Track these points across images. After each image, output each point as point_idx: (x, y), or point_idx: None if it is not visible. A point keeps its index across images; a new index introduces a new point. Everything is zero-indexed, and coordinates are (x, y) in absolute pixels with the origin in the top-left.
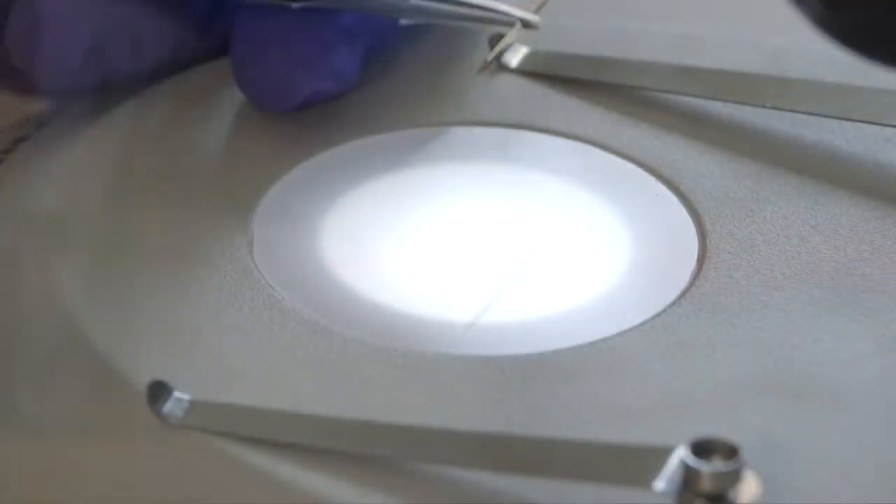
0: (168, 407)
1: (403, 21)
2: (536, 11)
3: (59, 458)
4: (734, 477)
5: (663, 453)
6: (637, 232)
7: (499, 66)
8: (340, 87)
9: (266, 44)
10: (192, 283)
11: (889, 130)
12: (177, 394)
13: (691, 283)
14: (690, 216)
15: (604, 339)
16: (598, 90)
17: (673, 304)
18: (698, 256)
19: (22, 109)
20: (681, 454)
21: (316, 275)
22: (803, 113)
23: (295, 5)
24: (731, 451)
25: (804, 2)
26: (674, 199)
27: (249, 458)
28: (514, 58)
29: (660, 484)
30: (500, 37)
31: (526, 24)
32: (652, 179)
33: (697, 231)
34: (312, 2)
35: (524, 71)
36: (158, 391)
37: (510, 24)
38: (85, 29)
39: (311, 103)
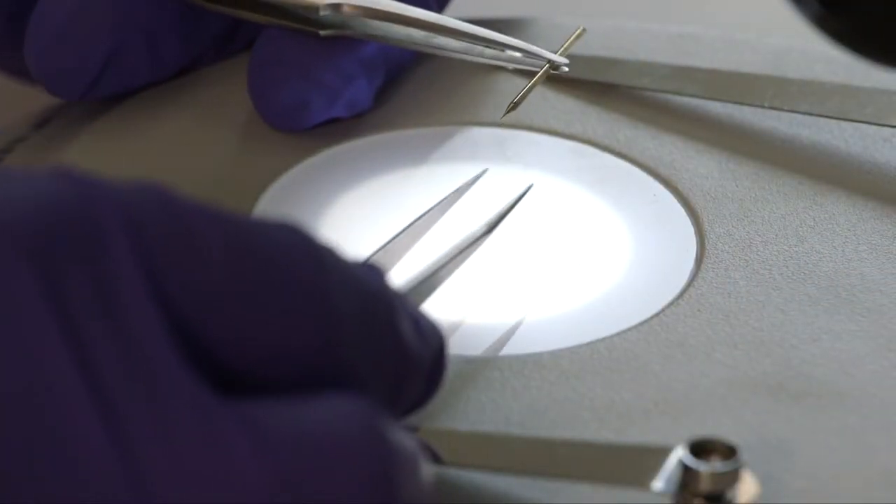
0: None
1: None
2: (563, 53)
3: None
4: (732, 477)
5: (662, 453)
6: (635, 232)
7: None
8: (353, 113)
9: (287, 66)
10: None
11: (887, 130)
12: None
13: (689, 283)
14: (689, 216)
15: (602, 340)
16: (597, 90)
17: (671, 304)
18: (696, 256)
19: (21, 110)
20: (679, 454)
21: None
22: (801, 113)
23: (322, 33)
24: (729, 451)
25: (803, 2)
26: (672, 199)
27: None
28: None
29: (658, 484)
30: None
31: (554, 67)
32: (650, 179)
33: (696, 231)
34: (340, 31)
35: (523, 71)
36: None
37: (538, 66)
38: (104, 39)
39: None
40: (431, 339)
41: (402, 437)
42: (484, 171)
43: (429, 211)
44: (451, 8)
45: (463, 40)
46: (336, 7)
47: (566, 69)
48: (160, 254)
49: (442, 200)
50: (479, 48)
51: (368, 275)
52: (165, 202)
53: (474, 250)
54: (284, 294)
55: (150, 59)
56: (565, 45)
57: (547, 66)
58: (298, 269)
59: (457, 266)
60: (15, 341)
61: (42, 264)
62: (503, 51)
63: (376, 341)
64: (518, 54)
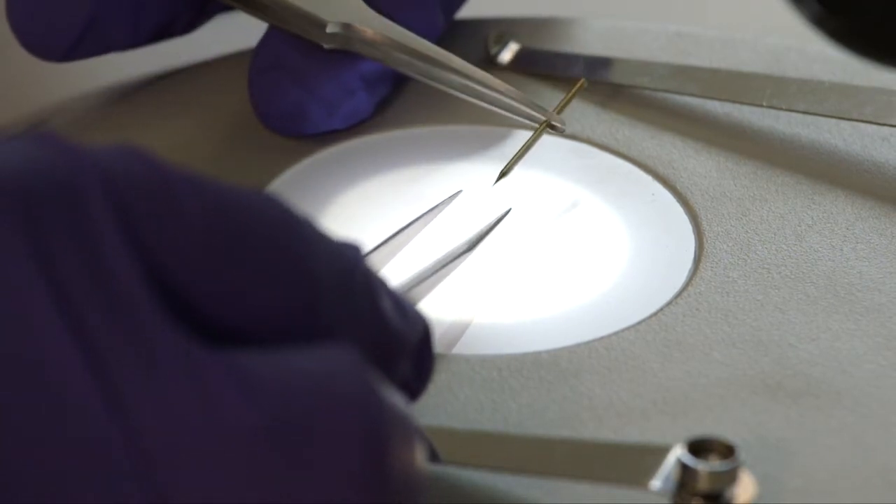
0: None
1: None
2: (561, 109)
3: None
4: (731, 476)
5: (660, 452)
6: (634, 231)
7: (494, 63)
8: (351, 124)
9: (289, 74)
10: None
11: (886, 129)
12: None
13: (688, 283)
14: (687, 215)
15: (601, 339)
16: (595, 89)
17: (670, 303)
18: (695, 256)
19: (21, 110)
20: (677, 453)
21: None
22: (800, 112)
23: (327, 46)
24: (727, 451)
25: (802, 2)
26: (671, 198)
27: None
28: (508, 55)
29: (656, 483)
30: (500, 36)
31: (552, 127)
32: (648, 178)
33: (694, 230)
34: (344, 47)
35: (519, 69)
36: None
37: (535, 120)
38: (87, 1)
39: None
40: (415, 321)
41: (395, 398)
42: (458, 192)
43: (405, 228)
44: None
45: (464, 80)
46: (344, 27)
47: (563, 128)
48: (139, 212)
49: (417, 218)
50: (478, 90)
51: (346, 249)
52: (144, 163)
53: (454, 268)
54: (260, 252)
55: (131, 22)
56: (563, 102)
57: (544, 124)
58: (273, 230)
59: (436, 283)
60: (1, 296)
61: (24, 224)
62: (503, 99)
63: (355, 313)
64: (515, 103)
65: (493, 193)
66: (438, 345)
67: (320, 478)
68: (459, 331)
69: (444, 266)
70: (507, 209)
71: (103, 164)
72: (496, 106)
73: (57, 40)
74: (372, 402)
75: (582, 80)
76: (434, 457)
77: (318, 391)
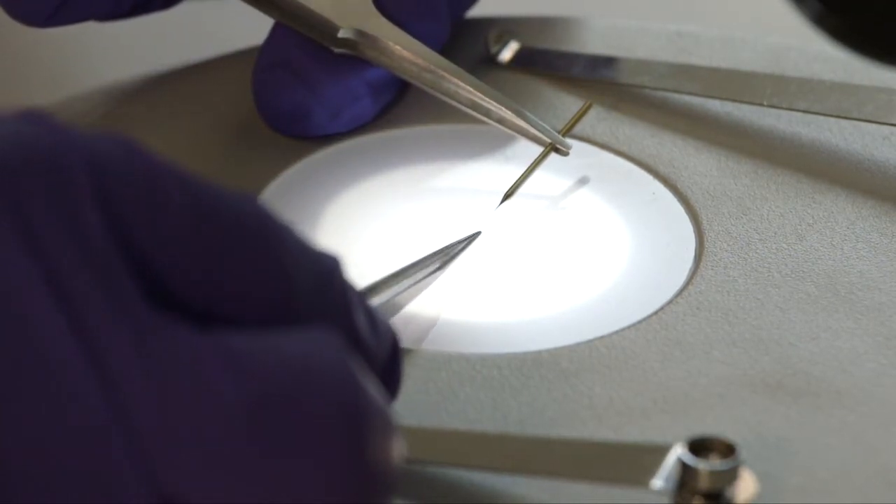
0: None
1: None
2: (566, 131)
3: None
4: (731, 475)
5: (661, 451)
6: (634, 230)
7: (494, 62)
8: (353, 128)
9: (294, 74)
10: None
11: (886, 128)
12: None
13: (688, 282)
14: (688, 214)
15: (601, 338)
16: (596, 88)
17: (670, 302)
18: (695, 254)
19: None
20: (678, 452)
21: None
22: (800, 111)
23: (336, 51)
24: (728, 449)
25: (803, 1)
26: (671, 197)
27: None
28: (509, 54)
29: (657, 482)
30: (500, 35)
31: (557, 150)
32: (649, 177)
33: (695, 229)
34: (353, 52)
35: (519, 68)
36: None
37: (541, 141)
38: None
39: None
40: (385, 336)
41: (373, 388)
42: (477, 234)
43: (418, 262)
44: None
45: (472, 96)
46: (357, 33)
47: (568, 151)
48: (121, 197)
49: (432, 255)
50: (486, 107)
51: (325, 258)
52: (129, 151)
53: (423, 288)
54: (240, 248)
55: None
56: (569, 125)
57: (549, 147)
58: (253, 230)
59: (405, 301)
60: None
61: (7, 198)
62: (511, 117)
63: (330, 320)
64: (522, 123)
65: (498, 209)
66: (439, 342)
67: (303, 461)
68: (443, 326)
69: (412, 285)
70: (476, 232)
71: (88, 147)
72: (502, 125)
73: (39, 5)
74: (353, 385)
75: (589, 103)
76: (409, 457)
77: (301, 374)
